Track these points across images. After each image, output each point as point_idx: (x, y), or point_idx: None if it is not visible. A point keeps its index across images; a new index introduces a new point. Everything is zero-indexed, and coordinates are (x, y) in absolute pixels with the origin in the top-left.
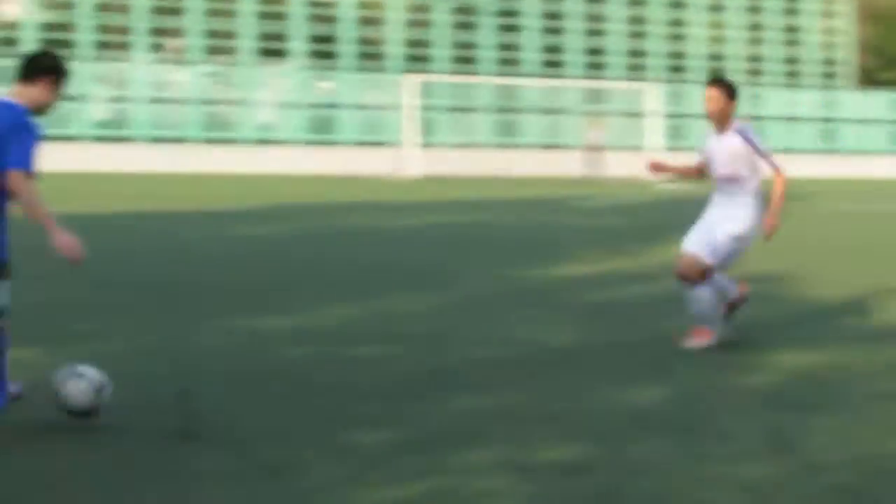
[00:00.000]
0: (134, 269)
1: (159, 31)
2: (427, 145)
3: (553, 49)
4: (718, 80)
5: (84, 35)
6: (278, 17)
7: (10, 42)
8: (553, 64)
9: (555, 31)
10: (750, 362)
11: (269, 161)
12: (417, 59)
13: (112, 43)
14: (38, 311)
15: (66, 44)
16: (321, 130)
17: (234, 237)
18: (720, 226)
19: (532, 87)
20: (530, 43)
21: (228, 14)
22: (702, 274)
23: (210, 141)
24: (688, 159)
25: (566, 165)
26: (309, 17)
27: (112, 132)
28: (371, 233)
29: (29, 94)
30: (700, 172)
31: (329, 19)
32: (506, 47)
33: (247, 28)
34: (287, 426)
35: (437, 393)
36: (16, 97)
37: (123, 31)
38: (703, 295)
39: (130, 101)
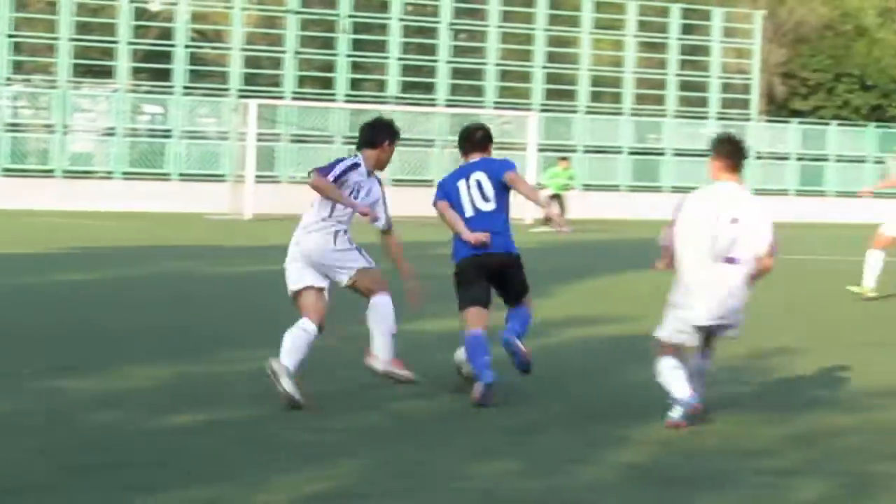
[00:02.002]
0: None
1: None
2: (266, 180)
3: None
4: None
5: None
6: (103, 30)
7: None
8: (418, 86)
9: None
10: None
11: (85, 197)
12: (259, 81)
13: None
14: None
15: None
16: (148, 163)
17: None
18: None
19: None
20: (393, 65)
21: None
22: None
23: (19, 175)
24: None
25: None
26: (137, 30)
27: None
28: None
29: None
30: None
31: (163, 33)
32: (360, 68)
33: (63, 42)
34: None
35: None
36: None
37: None
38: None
39: None
